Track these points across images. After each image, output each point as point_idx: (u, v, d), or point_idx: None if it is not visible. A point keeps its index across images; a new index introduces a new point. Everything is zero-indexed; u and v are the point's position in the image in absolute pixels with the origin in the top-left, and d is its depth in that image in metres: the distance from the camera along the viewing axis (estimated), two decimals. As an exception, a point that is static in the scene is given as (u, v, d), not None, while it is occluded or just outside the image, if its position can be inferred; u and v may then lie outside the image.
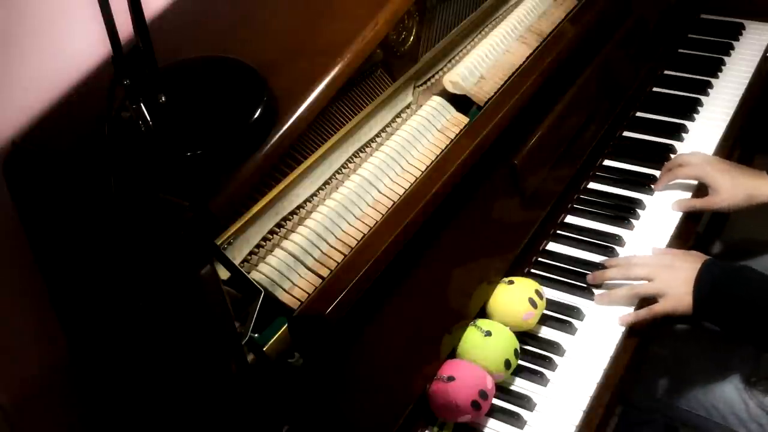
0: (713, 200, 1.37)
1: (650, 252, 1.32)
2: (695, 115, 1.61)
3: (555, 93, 1.35)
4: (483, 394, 1.09)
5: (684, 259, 1.24)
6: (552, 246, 1.37)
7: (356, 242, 1.01)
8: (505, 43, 1.30)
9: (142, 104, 0.83)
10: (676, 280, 1.20)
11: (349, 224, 1.03)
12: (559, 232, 1.39)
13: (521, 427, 1.11)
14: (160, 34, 0.86)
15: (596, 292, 1.27)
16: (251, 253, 0.96)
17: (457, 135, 1.16)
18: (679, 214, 1.40)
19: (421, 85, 1.22)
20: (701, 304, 1.17)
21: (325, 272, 0.98)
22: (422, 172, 1.11)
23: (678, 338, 1.42)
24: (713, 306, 1.18)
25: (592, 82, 1.43)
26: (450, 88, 1.22)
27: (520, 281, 1.23)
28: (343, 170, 1.08)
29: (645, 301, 1.24)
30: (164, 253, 0.88)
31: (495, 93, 1.23)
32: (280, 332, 0.91)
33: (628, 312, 1.24)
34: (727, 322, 1.19)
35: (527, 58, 1.30)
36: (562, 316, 1.25)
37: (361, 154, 1.10)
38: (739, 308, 1.16)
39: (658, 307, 1.20)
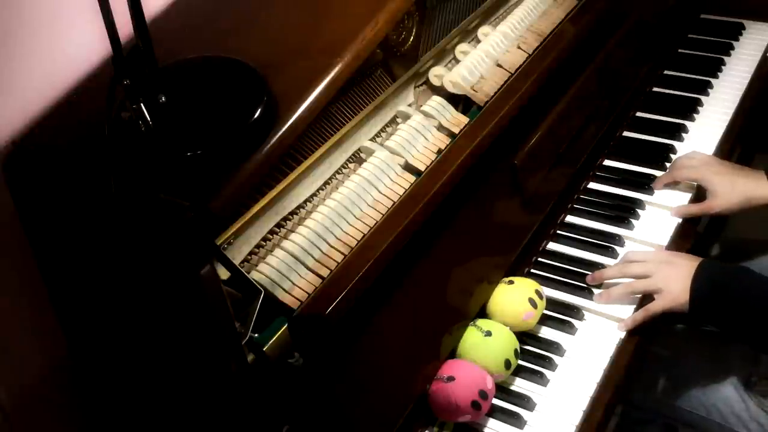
0: (710, 205, 1.36)
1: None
2: (695, 115, 1.61)
3: (555, 93, 1.35)
4: (483, 394, 1.09)
5: (682, 257, 1.24)
6: (552, 246, 1.37)
7: (356, 242, 1.01)
8: (505, 42, 1.30)
9: (142, 104, 0.83)
10: (674, 277, 1.20)
11: (349, 224, 1.03)
12: (559, 232, 1.39)
13: (521, 427, 1.12)
14: (160, 34, 0.86)
15: (596, 291, 1.27)
16: (251, 253, 0.96)
17: (457, 135, 1.16)
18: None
19: (421, 85, 1.22)
20: (698, 302, 1.17)
21: (325, 272, 0.98)
22: (422, 172, 1.11)
23: (678, 338, 1.42)
24: (710, 305, 1.17)
25: (592, 82, 1.43)
26: (450, 88, 1.22)
27: (520, 281, 1.23)
28: (343, 170, 1.08)
29: (646, 298, 1.24)
30: (164, 253, 0.88)
31: (495, 93, 1.23)
32: (280, 332, 0.91)
33: (628, 310, 1.24)
34: (724, 322, 1.19)
35: (527, 58, 1.30)
36: (562, 316, 1.25)
37: (361, 155, 1.10)
38: (736, 308, 1.16)
39: (654, 306, 1.20)
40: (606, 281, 1.27)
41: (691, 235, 1.40)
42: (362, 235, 1.02)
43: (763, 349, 1.25)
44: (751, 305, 1.15)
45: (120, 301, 1.00)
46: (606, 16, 1.45)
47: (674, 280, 1.20)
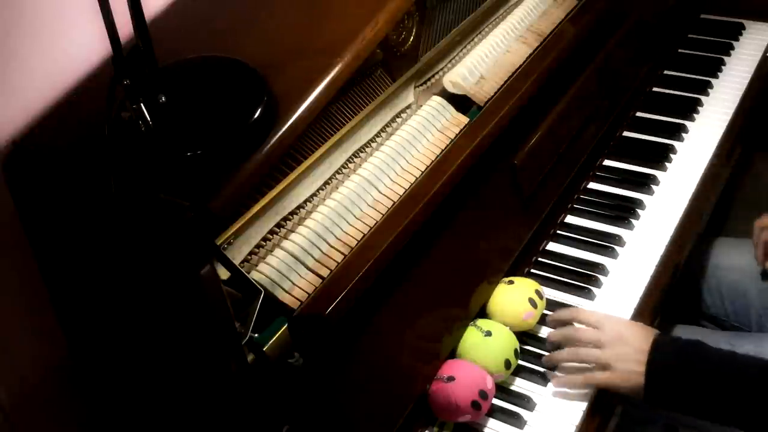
0: None
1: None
2: (695, 115, 1.61)
3: (555, 93, 1.35)
4: (483, 394, 1.09)
5: (635, 332, 1.15)
6: (552, 246, 1.37)
7: (356, 242, 1.01)
8: (505, 42, 1.30)
9: (142, 104, 0.83)
10: (624, 354, 1.12)
11: (349, 224, 1.03)
12: (559, 232, 1.39)
13: (521, 427, 1.12)
14: (160, 34, 0.86)
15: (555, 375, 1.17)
16: (251, 253, 0.96)
17: (457, 135, 1.16)
18: (680, 214, 1.40)
19: (421, 85, 1.22)
20: (655, 384, 1.10)
21: (325, 272, 0.98)
22: (422, 172, 1.11)
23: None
24: (669, 385, 1.10)
25: (592, 82, 1.43)
26: (450, 88, 1.22)
27: (520, 281, 1.23)
28: (343, 170, 1.08)
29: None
30: (164, 253, 0.88)
31: (495, 93, 1.23)
32: (280, 332, 0.91)
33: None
34: (685, 402, 1.10)
35: (527, 58, 1.30)
36: (562, 316, 1.25)
37: (361, 154, 1.10)
38: (699, 386, 1.09)
39: (601, 378, 1.13)
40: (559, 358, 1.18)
41: (691, 235, 1.40)
42: (362, 235, 1.02)
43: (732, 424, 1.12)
44: (713, 380, 1.08)
45: (120, 301, 1.00)
46: (606, 16, 1.45)
47: (624, 359, 1.11)
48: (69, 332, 1.12)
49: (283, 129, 0.92)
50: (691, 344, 1.13)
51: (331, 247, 1.00)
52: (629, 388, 1.11)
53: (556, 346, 1.20)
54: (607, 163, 1.52)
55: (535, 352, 1.20)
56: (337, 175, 1.07)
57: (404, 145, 1.12)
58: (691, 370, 1.09)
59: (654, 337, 1.13)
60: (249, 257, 0.96)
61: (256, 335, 0.89)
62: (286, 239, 0.98)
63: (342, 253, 1.00)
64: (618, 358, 1.12)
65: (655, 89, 1.69)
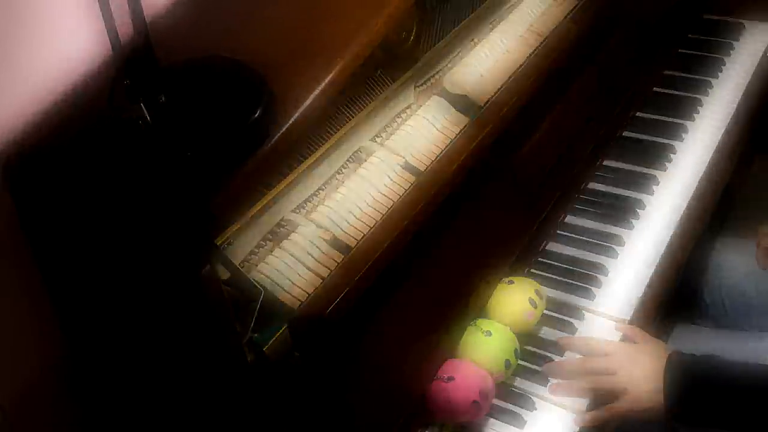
0: None
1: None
2: (695, 115, 1.60)
3: (555, 93, 1.35)
4: (483, 394, 1.09)
5: (646, 352, 1.16)
6: (552, 246, 1.37)
7: (356, 242, 1.01)
8: (505, 42, 1.30)
9: (142, 104, 0.83)
10: (639, 376, 1.12)
11: (349, 224, 1.03)
12: (559, 232, 1.39)
13: (521, 427, 1.12)
14: (160, 34, 0.86)
15: (552, 381, 1.18)
16: (251, 253, 0.96)
17: (457, 135, 1.16)
18: (680, 214, 1.40)
19: (421, 85, 1.22)
20: (676, 402, 1.09)
21: (325, 272, 0.98)
22: (422, 172, 1.11)
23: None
24: (689, 402, 1.10)
25: (592, 82, 1.43)
26: (450, 88, 1.22)
27: (520, 281, 1.23)
28: (343, 170, 1.08)
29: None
30: (164, 253, 0.88)
31: (495, 93, 1.23)
32: (280, 332, 0.91)
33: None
34: (707, 417, 1.10)
35: (527, 57, 1.30)
36: (562, 316, 1.25)
37: (361, 155, 1.10)
38: (720, 400, 1.09)
39: (619, 407, 1.12)
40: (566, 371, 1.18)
41: (691, 236, 1.40)
42: (362, 235, 1.02)
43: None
44: (731, 391, 1.09)
45: (120, 301, 1.00)
46: (606, 16, 1.45)
47: (640, 380, 1.12)
48: (69, 332, 1.12)
49: (283, 129, 0.92)
50: (705, 358, 1.13)
51: (331, 247, 1.00)
52: (650, 409, 1.10)
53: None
54: (607, 163, 1.52)
55: (535, 352, 1.21)
56: (337, 175, 1.07)
57: (404, 145, 1.12)
58: (709, 385, 1.10)
59: (667, 354, 1.13)
60: (249, 257, 0.96)
61: (256, 335, 0.89)
62: (287, 239, 0.98)
63: (342, 253, 1.00)
64: (633, 381, 1.12)
65: (655, 89, 1.69)
